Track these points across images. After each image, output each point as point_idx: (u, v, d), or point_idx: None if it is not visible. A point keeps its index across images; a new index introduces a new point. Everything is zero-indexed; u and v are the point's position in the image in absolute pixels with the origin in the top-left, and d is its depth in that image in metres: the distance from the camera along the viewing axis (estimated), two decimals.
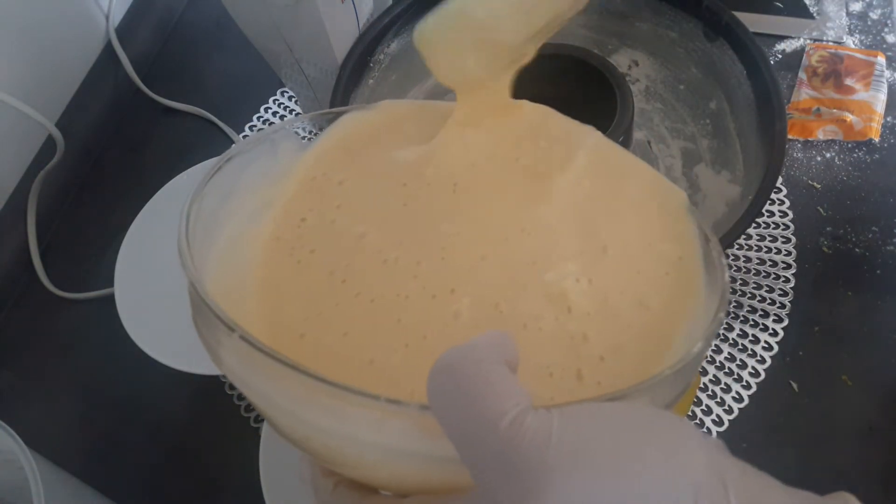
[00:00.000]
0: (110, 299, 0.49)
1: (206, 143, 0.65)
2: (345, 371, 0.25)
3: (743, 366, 0.50)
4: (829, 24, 0.66)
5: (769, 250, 0.54)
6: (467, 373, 0.18)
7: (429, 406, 0.19)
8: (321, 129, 0.33)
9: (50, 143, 0.60)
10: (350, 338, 0.26)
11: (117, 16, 0.68)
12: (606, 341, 0.26)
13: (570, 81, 0.49)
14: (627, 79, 0.55)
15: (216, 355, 0.24)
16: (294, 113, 0.66)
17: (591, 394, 0.24)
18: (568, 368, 0.25)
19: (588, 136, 0.32)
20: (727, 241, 0.41)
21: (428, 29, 0.30)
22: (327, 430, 0.22)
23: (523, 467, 0.17)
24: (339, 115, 0.33)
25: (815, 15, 0.67)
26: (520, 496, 0.17)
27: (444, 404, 0.18)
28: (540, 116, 0.33)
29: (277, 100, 0.67)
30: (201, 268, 0.26)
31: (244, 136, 0.65)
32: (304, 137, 0.34)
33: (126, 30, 0.68)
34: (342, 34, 0.50)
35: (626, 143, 0.47)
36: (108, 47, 0.66)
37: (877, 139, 0.58)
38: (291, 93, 0.66)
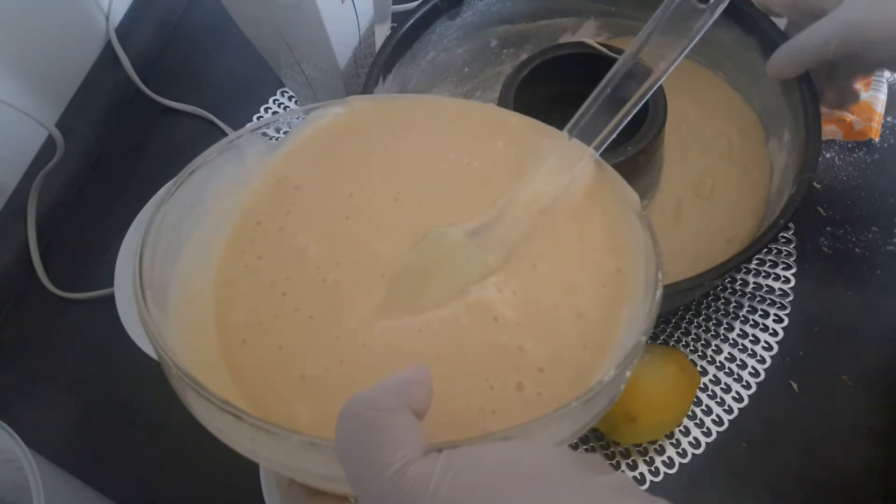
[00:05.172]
0: (110, 299, 0.49)
1: (206, 143, 0.64)
2: (275, 384, 0.26)
3: (743, 366, 0.50)
4: None
5: (769, 251, 0.54)
6: (365, 420, 0.20)
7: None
8: (289, 128, 0.33)
9: (50, 143, 0.60)
10: (284, 352, 0.27)
11: (117, 16, 0.68)
12: (545, 353, 0.27)
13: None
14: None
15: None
16: None
17: (531, 404, 0.25)
18: (507, 381, 0.26)
19: (545, 137, 0.32)
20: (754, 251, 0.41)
21: None
22: (256, 454, 0.23)
23: None
24: (307, 112, 0.33)
25: None
26: None
27: (343, 448, 0.20)
28: (500, 115, 0.34)
29: (277, 100, 0.67)
30: (164, 287, 0.27)
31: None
32: (272, 138, 0.34)
33: (126, 30, 0.68)
34: (342, 34, 0.50)
35: (657, 141, 0.46)
36: (108, 47, 0.66)
37: (877, 139, 0.58)
38: (291, 93, 0.66)
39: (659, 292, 0.26)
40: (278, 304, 0.28)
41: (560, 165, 0.31)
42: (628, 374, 0.24)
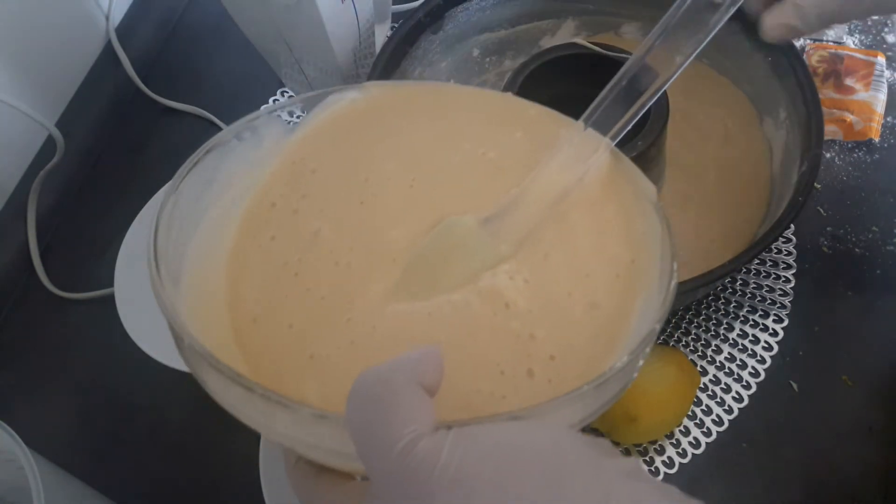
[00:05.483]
0: (110, 299, 0.49)
1: None
2: (284, 362, 0.26)
3: (743, 366, 0.50)
4: None
5: (769, 250, 0.54)
6: (375, 395, 0.20)
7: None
8: (306, 112, 0.33)
9: (50, 143, 0.60)
10: (294, 330, 0.27)
11: (117, 16, 0.68)
12: (557, 341, 0.26)
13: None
14: None
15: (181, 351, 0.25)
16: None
17: (541, 391, 0.25)
18: (518, 368, 0.26)
19: (561, 127, 0.32)
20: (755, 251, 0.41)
21: None
22: (267, 427, 0.23)
23: (409, 491, 0.19)
24: (324, 96, 0.33)
25: None
26: None
27: (353, 422, 0.20)
28: (519, 106, 0.34)
29: (277, 100, 0.67)
30: (178, 262, 0.27)
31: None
32: (288, 121, 0.34)
33: (126, 30, 0.68)
34: (342, 34, 0.50)
35: (664, 134, 0.46)
36: (108, 47, 0.66)
37: (877, 139, 0.58)
38: (291, 93, 0.66)
39: (674, 283, 0.26)
40: (290, 285, 0.28)
41: (575, 156, 0.31)
42: (641, 361, 0.24)
